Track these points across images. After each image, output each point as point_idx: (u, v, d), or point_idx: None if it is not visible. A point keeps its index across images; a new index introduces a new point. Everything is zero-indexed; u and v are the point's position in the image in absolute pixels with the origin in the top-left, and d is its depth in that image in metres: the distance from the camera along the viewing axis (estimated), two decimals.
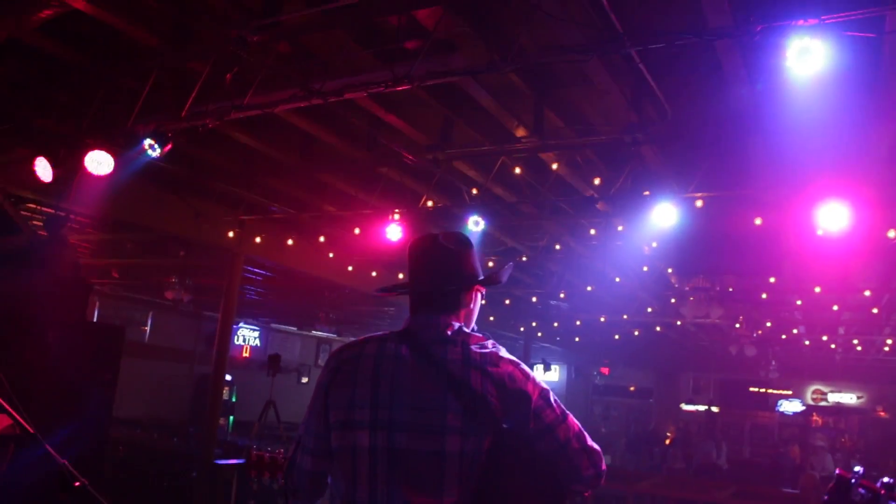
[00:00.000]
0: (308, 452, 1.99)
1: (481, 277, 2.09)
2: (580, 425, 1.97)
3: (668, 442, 19.95)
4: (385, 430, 1.84)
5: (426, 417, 1.83)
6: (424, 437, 1.82)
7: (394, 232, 8.03)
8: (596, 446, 1.96)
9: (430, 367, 1.88)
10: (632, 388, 25.35)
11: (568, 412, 1.96)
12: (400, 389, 1.87)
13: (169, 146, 6.06)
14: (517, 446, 1.87)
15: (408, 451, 1.82)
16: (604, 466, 1.95)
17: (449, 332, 1.96)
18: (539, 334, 18.17)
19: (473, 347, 1.92)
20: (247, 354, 21.03)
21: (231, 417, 17.48)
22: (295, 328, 22.41)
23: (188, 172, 8.61)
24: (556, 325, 16.70)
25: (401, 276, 11.46)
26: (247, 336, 21.24)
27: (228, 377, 15.77)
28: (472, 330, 2.04)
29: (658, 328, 16.41)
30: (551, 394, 1.95)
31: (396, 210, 8.11)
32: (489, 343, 1.98)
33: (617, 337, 18.22)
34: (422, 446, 1.82)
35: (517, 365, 1.94)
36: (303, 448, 2.01)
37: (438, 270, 2.02)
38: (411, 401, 1.85)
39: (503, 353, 1.97)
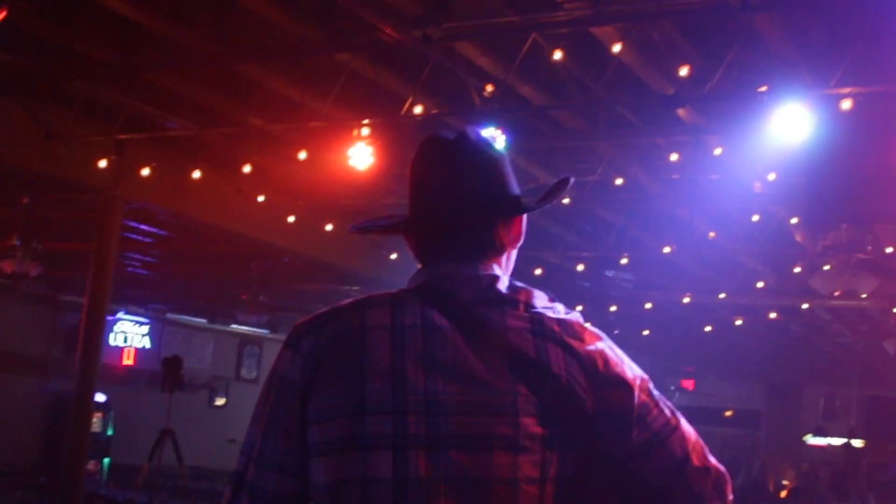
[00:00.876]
0: (266, 498, 1.90)
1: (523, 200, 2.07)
2: (696, 433, 1.98)
3: (783, 494, 20.18)
4: (420, 448, 1.79)
5: (487, 424, 1.80)
6: (486, 457, 1.79)
7: (361, 155, 8.01)
8: (720, 465, 1.96)
9: (483, 343, 1.85)
10: (728, 413, 25.55)
11: (679, 412, 1.96)
12: (439, 381, 1.83)
13: (3, 13, 5.98)
14: (613, 465, 1.87)
15: (459, 480, 1.78)
16: (731, 496, 1.96)
17: (500, 288, 1.93)
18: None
19: (546, 312, 1.90)
20: (130, 361, 21.11)
21: (106, 459, 17.64)
22: (204, 321, 22.53)
23: (34, 65, 8.53)
24: (613, 308, 16.76)
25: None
26: (130, 333, 21.29)
27: (101, 397, 15.85)
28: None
29: (773, 314, 16.50)
30: (651, 384, 1.95)
31: (365, 121, 8.10)
32: (559, 305, 1.95)
33: (708, 329, 18.32)
34: (482, 471, 1.78)
35: (604, 339, 1.94)
36: (253, 490, 1.90)
37: (468, 186, 1.98)
38: (460, 399, 1.82)
39: (582, 320, 1.95)
